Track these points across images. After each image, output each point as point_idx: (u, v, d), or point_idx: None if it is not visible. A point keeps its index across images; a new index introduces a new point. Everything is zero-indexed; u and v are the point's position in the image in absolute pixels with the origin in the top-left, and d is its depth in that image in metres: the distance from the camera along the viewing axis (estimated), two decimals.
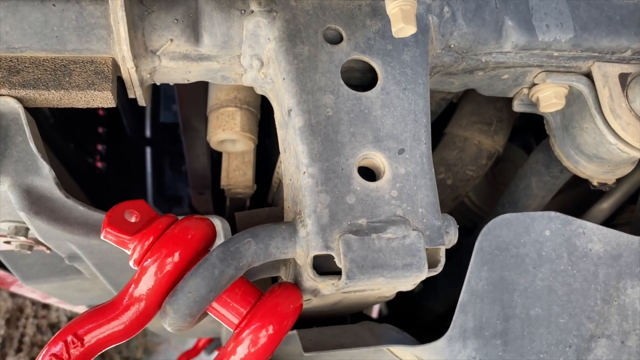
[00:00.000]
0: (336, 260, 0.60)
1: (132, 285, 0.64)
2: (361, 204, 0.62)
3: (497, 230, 0.71)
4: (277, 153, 1.11)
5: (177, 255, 0.64)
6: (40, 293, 1.67)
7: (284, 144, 0.70)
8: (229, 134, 0.90)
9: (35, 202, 0.71)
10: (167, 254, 0.64)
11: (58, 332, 0.63)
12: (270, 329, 0.63)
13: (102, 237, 0.66)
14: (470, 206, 1.43)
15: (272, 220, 0.93)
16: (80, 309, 1.82)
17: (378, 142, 0.64)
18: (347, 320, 1.08)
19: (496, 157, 1.19)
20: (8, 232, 0.86)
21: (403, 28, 0.55)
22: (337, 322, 0.94)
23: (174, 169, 2.57)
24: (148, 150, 2.35)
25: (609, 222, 1.37)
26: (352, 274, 0.59)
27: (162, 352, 6.02)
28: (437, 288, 1.33)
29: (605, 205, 1.25)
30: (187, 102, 1.30)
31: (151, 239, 0.65)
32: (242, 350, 0.63)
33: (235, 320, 0.65)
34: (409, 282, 0.62)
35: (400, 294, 1.55)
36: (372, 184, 0.63)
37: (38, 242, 0.97)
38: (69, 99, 0.67)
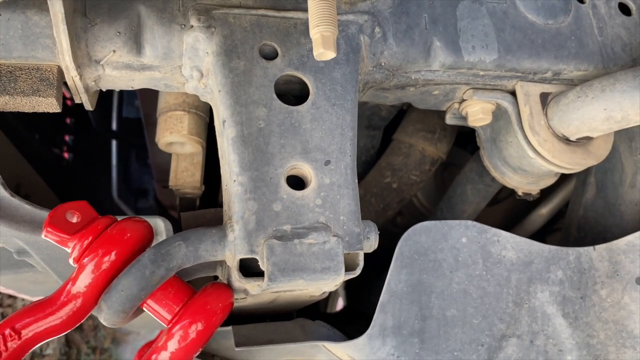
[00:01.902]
0: (260, 263, 0.65)
1: (70, 283, 0.67)
2: (287, 211, 0.67)
3: (417, 237, 0.76)
4: None
5: (113, 254, 0.68)
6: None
7: (221, 152, 0.75)
8: (176, 137, 0.94)
9: None
10: (104, 253, 0.68)
11: None
12: (200, 325, 0.68)
13: (42, 236, 0.69)
14: (421, 208, 1.49)
15: (216, 221, 0.97)
16: None
17: (306, 154, 0.69)
18: (293, 316, 1.13)
19: (440, 163, 1.25)
20: None
21: (323, 53, 0.60)
22: (283, 318, 0.99)
23: (140, 161, 2.58)
24: (114, 142, 2.36)
25: (549, 226, 1.45)
26: (273, 277, 0.64)
27: (130, 342, 6.00)
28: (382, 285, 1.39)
29: (544, 211, 1.33)
30: (148, 99, 1.33)
31: (90, 238, 0.69)
32: (172, 344, 0.68)
33: (168, 317, 0.70)
34: (329, 284, 0.67)
35: (360, 286, 1.59)
36: (298, 193, 0.68)
37: None
38: (14, 103, 0.71)
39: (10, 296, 5.24)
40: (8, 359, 0.65)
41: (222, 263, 0.78)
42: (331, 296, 2.42)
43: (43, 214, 0.80)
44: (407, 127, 1.22)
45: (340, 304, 2.53)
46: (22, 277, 1.19)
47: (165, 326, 0.72)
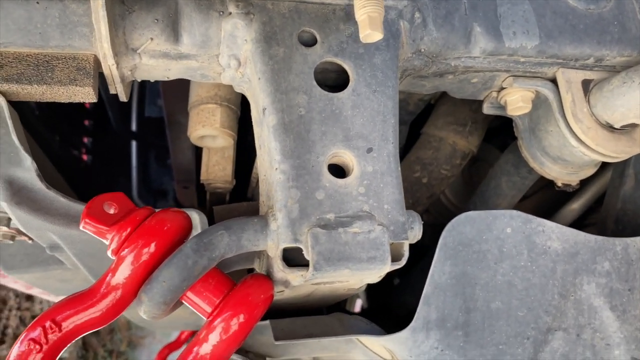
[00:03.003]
0: (304, 252, 0.63)
1: (110, 274, 0.66)
2: (330, 199, 0.65)
3: (461, 227, 0.74)
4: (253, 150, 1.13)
5: (153, 245, 0.67)
6: (23, 283, 1.68)
7: (259, 141, 0.73)
8: (209, 130, 0.93)
9: (17, 192, 0.74)
10: (143, 245, 0.66)
11: (37, 318, 0.66)
12: (242, 318, 0.66)
13: (80, 228, 0.68)
14: (448, 205, 1.47)
15: (249, 214, 0.96)
16: None
17: (348, 141, 0.68)
18: (323, 313, 1.11)
19: (470, 157, 1.23)
20: None
21: (370, 34, 0.58)
22: (313, 315, 0.97)
23: (160, 162, 2.58)
24: (134, 143, 2.36)
25: (580, 222, 1.42)
26: (319, 266, 0.62)
27: (146, 345, 6.02)
28: (413, 284, 1.37)
29: (575, 206, 1.30)
30: (171, 97, 1.33)
31: (128, 229, 0.67)
32: (214, 337, 0.66)
33: (209, 309, 0.68)
34: (373, 274, 0.65)
35: (379, 290, 1.58)
36: (340, 181, 0.66)
37: (20, 232, 0.99)
38: (51, 93, 0.70)
39: (28, 299, 5.28)
40: (49, 352, 0.64)
41: (260, 255, 0.77)
42: (349, 298, 2.41)
43: (78, 207, 0.79)
44: (437, 120, 1.20)
45: (358, 305, 2.51)
46: (51, 274, 1.18)
47: (205, 319, 0.70)
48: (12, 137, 0.70)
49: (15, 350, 0.63)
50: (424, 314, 0.72)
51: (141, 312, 0.65)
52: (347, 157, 0.68)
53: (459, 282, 0.74)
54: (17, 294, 5.13)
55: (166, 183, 2.62)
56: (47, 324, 0.64)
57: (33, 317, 5.26)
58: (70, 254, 0.88)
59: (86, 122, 2.15)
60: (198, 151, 1.87)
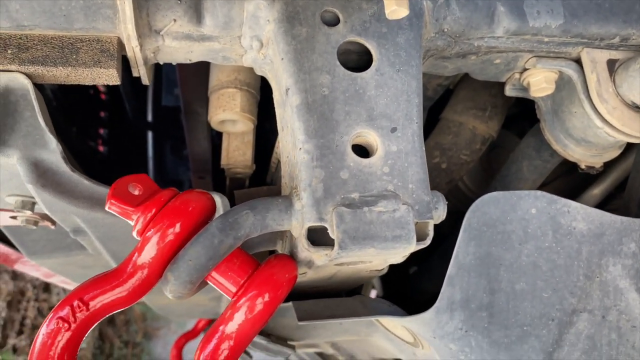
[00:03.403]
0: (329, 231, 0.63)
1: (136, 254, 0.67)
2: (354, 179, 0.65)
3: (485, 208, 0.74)
4: (276, 135, 1.13)
5: (178, 226, 0.67)
6: (43, 272, 1.70)
7: (281, 122, 0.73)
8: (229, 115, 0.93)
9: (42, 175, 0.74)
10: (168, 225, 0.67)
11: (65, 297, 0.66)
12: (266, 297, 0.67)
13: (106, 208, 0.69)
14: (466, 191, 1.46)
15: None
16: None
17: (372, 121, 0.67)
18: (342, 296, 1.11)
19: (490, 143, 1.22)
20: (15, 206, 0.90)
21: (396, 10, 0.58)
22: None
23: (175, 153, 2.60)
24: (149, 134, 2.38)
25: (601, 208, 1.40)
26: (344, 245, 0.62)
27: (161, 336, 6.08)
28: (431, 269, 1.36)
29: (597, 191, 1.28)
30: (189, 85, 1.33)
31: (153, 210, 0.68)
32: (239, 316, 0.66)
33: (233, 289, 0.68)
34: (398, 254, 0.65)
35: (395, 275, 1.58)
36: (365, 160, 0.66)
37: (43, 217, 1.00)
38: (75, 75, 0.70)
39: (45, 290, 5.35)
40: (77, 330, 0.64)
41: (283, 236, 0.77)
42: (364, 286, 2.41)
43: (101, 190, 0.80)
44: (457, 105, 1.19)
45: (373, 294, 2.51)
46: (73, 260, 1.20)
47: (230, 299, 0.71)
48: (38, 119, 0.71)
49: (44, 328, 0.64)
50: (448, 295, 0.72)
51: (167, 291, 0.66)
52: (371, 137, 0.67)
53: (483, 263, 0.73)
54: (35, 286, 5.21)
55: (182, 174, 2.64)
56: (75, 303, 0.65)
57: (50, 308, 5.33)
58: (93, 237, 0.89)
59: (102, 114, 2.16)
60: (214, 141, 1.88)
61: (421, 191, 0.66)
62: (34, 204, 0.90)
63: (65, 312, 0.64)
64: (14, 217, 1.02)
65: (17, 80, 0.69)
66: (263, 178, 1.20)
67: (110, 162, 2.17)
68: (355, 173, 0.65)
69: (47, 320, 0.65)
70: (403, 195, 0.65)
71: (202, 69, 1.13)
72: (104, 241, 0.90)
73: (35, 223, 1.01)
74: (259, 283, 0.67)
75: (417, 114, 0.69)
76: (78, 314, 0.65)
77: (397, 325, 0.83)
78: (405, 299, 1.52)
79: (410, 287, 1.46)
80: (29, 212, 0.90)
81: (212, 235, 0.63)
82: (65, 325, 0.64)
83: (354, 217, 0.63)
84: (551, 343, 0.74)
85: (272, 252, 0.88)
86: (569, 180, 1.39)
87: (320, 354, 1.31)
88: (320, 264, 0.67)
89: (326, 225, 0.63)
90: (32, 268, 1.63)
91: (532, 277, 0.74)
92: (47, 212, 0.82)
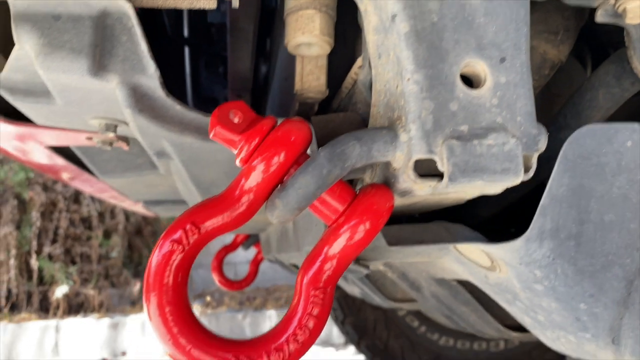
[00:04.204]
0: (438, 164, 0.64)
1: (243, 180, 0.69)
2: (463, 111, 0.65)
3: (582, 140, 0.73)
4: (343, 60, 1.11)
5: (282, 155, 0.68)
6: (97, 188, 1.75)
7: (379, 50, 0.72)
8: (308, 37, 0.91)
9: (139, 99, 0.75)
10: (273, 154, 0.68)
11: (176, 221, 0.69)
12: (368, 225, 0.69)
13: (210, 136, 0.70)
14: None
15: (347, 124, 0.96)
16: (138, 207, 1.91)
17: (481, 50, 0.66)
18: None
19: (559, 67, 1.19)
20: (99, 128, 0.91)
21: None
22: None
23: (210, 69, 2.56)
24: (186, 50, 2.33)
25: None
26: (454, 177, 0.63)
27: None
28: (488, 197, 1.38)
29: None
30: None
31: (257, 139, 0.69)
32: (341, 242, 0.69)
33: (333, 216, 0.71)
34: (503, 186, 0.66)
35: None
36: (474, 92, 0.65)
37: (119, 139, 1.01)
38: (174, 0, 0.69)
39: (75, 202, 5.51)
40: (189, 252, 0.68)
41: (372, 165, 0.78)
42: None
43: (192, 115, 0.80)
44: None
45: None
46: (142, 179, 1.23)
47: (327, 225, 0.73)
48: (138, 44, 0.70)
49: (157, 251, 0.67)
50: (539, 225, 0.73)
51: (273, 216, 0.68)
52: (479, 67, 0.66)
53: (575, 194, 0.74)
54: (66, 197, 5.38)
55: (217, 91, 2.61)
56: (188, 226, 0.68)
57: (81, 218, 5.54)
58: (177, 160, 0.91)
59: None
60: (257, 61, 1.84)
61: (529, 124, 0.66)
62: (116, 126, 0.92)
63: (178, 235, 0.67)
64: (89, 138, 1.04)
65: (117, 4, 0.68)
66: (327, 102, 1.19)
67: None
68: (465, 105, 0.65)
69: (161, 242, 0.68)
70: (511, 128, 0.65)
71: None
72: (187, 164, 0.92)
73: (110, 144, 1.03)
74: (361, 212, 0.69)
75: (525, 43, 0.68)
76: (190, 237, 0.68)
77: (475, 250, 0.86)
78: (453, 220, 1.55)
79: (462, 210, 1.49)
80: (112, 135, 0.91)
81: (320, 165, 0.64)
82: (180, 247, 0.67)
83: (464, 150, 0.63)
84: (634, 272, 0.76)
85: (349, 181, 0.90)
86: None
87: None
88: (421, 194, 0.69)
89: (435, 158, 0.64)
90: (87, 184, 1.68)
91: (622, 209, 0.75)
92: (138, 135, 0.83)
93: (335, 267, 0.70)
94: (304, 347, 0.68)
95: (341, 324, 3.33)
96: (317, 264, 0.70)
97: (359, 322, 3.30)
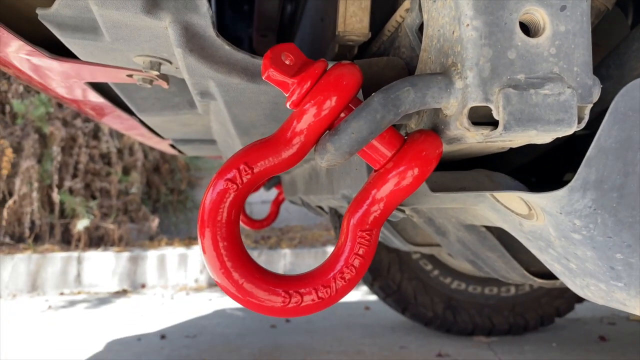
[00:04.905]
0: (494, 112, 0.64)
1: (294, 122, 0.70)
2: (521, 59, 0.64)
3: (634, 92, 0.73)
4: (380, 1, 1.08)
5: (334, 100, 0.69)
6: (125, 125, 1.77)
7: None
8: None
9: (190, 39, 0.75)
10: (325, 98, 0.69)
11: (230, 160, 0.71)
12: (416, 171, 0.70)
13: (263, 78, 0.70)
14: None
15: (390, 69, 0.96)
16: (164, 145, 1.93)
17: None
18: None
19: (604, 16, 1.15)
20: (143, 66, 0.91)
21: None
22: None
23: (234, 8, 2.51)
24: None
25: None
26: (509, 126, 0.63)
27: (203, 185, 6.44)
28: (523, 147, 1.38)
29: None
30: None
31: (309, 82, 0.69)
32: (388, 187, 0.71)
33: (381, 161, 0.72)
34: (554, 136, 0.67)
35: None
36: (532, 40, 0.65)
37: (160, 77, 1.02)
38: None
39: (94, 138, 5.57)
40: (241, 191, 0.70)
41: (420, 112, 0.79)
42: None
43: (239, 55, 0.81)
44: None
45: None
46: (177, 118, 1.24)
47: (373, 169, 0.75)
48: None
49: (212, 189, 0.70)
50: (584, 175, 0.74)
51: (322, 160, 0.70)
52: (539, 14, 0.65)
53: (622, 147, 0.74)
54: (85, 132, 5.43)
55: (240, 30, 2.57)
56: (242, 166, 0.69)
57: (101, 154, 5.61)
58: (220, 100, 0.92)
59: None
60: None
61: (585, 74, 0.65)
62: (160, 64, 0.92)
63: (232, 174, 0.69)
64: (130, 76, 1.04)
65: None
66: (364, 46, 1.17)
67: None
68: (522, 53, 0.64)
69: (215, 181, 0.70)
70: (567, 78, 0.65)
71: None
72: (229, 105, 0.93)
73: (151, 82, 1.04)
74: (410, 158, 0.70)
75: None
76: (244, 177, 0.70)
77: (514, 198, 0.88)
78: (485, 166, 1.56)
79: (495, 157, 1.49)
80: (155, 73, 0.92)
81: (374, 110, 0.65)
82: (234, 186, 0.69)
83: (520, 98, 0.63)
84: None
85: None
86: None
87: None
88: (471, 142, 0.70)
89: (491, 106, 0.64)
90: (117, 121, 1.69)
91: None
92: (185, 75, 0.84)
93: (382, 211, 0.72)
94: (350, 285, 0.72)
95: None
96: (365, 206, 0.72)
97: (373, 264, 3.39)
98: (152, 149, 5.70)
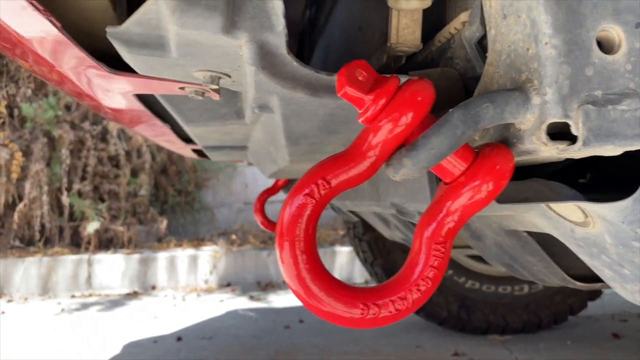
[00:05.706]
0: (572, 128, 0.66)
1: (370, 137, 0.71)
2: (598, 76, 0.66)
3: None
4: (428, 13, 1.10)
5: (410, 116, 0.70)
6: (155, 132, 1.78)
7: (504, 11, 0.72)
8: None
9: (264, 57, 0.76)
10: (401, 115, 0.70)
11: (307, 175, 0.72)
12: (491, 185, 0.72)
13: (339, 95, 0.72)
14: None
15: (444, 80, 0.97)
16: (187, 150, 1.95)
17: (617, 15, 0.66)
18: None
19: None
20: (203, 80, 0.93)
21: None
22: None
23: None
24: None
25: None
26: (588, 141, 0.65)
27: (210, 186, 6.45)
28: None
29: None
30: None
31: (384, 99, 0.71)
32: (462, 201, 0.72)
33: (455, 174, 0.74)
34: (624, 149, 0.68)
35: None
36: (609, 57, 0.66)
37: (211, 90, 1.03)
38: None
39: (102, 140, 5.56)
40: (319, 204, 0.71)
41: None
42: None
43: (305, 71, 0.82)
44: None
45: None
46: (222, 128, 1.26)
47: (444, 182, 0.76)
48: (268, 0, 0.70)
49: (291, 203, 0.71)
50: None
51: (397, 174, 0.71)
52: (614, 32, 0.67)
53: None
54: (93, 135, 5.44)
55: None
56: (320, 181, 0.71)
57: (109, 156, 5.61)
58: (279, 113, 0.93)
59: None
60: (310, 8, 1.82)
61: None
62: (220, 78, 0.93)
63: (310, 189, 0.71)
64: (182, 88, 1.06)
65: None
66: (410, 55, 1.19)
67: None
68: (600, 70, 0.66)
69: (293, 196, 0.71)
70: None
71: None
72: (287, 117, 0.94)
73: (203, 94, 1.05)
74: (485, 172, 0.71)
75: None
76: (321, 191, 0.71)
77: (570, 206, 0.89)
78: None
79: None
80: (215, 86, 0.93)
81: (455, 126, 0.67)
82: (312, 200, 0.71)
83: (599, 115, 0.65)
84: None
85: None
86: None
87: None
88: (545, 155, 0.71)
89: (570, 122, 0.66)
90: (150, 129, 1.71)
91: None
92: (251, 90, 0.85)
93: (455, 223, 0.73)
94: (426, 296, 0.73)
95: (370, 266, 3.44)
96: (438, 219, 0.74)
97: (388, 264, 3.41)
98: (159, 150, 5.71)
